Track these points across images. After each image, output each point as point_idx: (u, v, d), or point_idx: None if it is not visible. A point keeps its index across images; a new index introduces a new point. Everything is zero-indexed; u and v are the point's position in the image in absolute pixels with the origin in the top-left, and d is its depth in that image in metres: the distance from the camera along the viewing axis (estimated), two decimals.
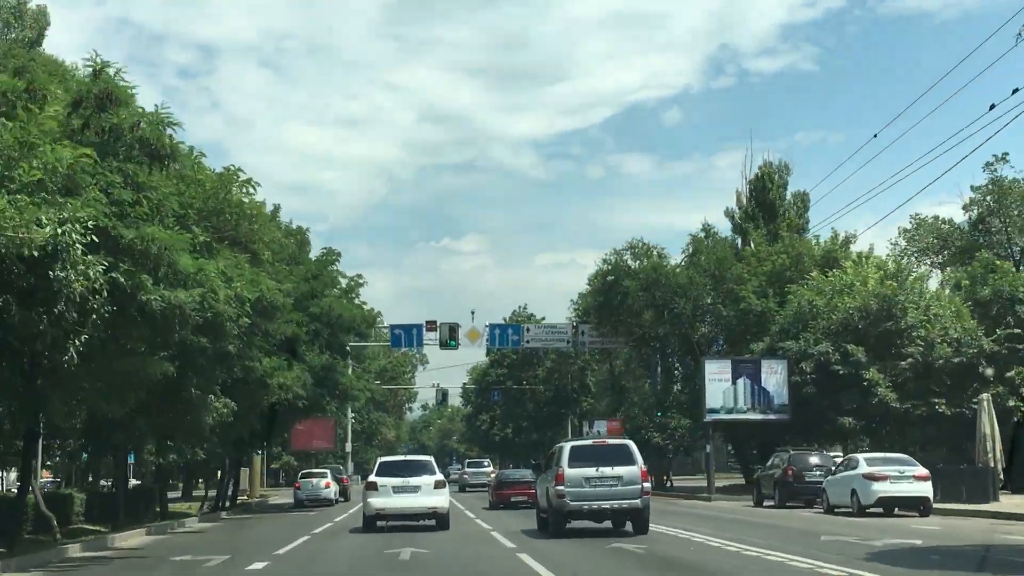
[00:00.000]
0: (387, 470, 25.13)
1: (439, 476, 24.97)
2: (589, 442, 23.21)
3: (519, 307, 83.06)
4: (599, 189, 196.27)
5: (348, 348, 42.77)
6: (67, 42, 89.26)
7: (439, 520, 24.29)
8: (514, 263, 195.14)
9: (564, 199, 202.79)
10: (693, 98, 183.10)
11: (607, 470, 20.69)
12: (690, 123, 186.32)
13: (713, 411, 40.89)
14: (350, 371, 47.18)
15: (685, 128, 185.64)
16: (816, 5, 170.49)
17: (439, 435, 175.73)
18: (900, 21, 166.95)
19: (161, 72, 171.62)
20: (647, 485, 20.86)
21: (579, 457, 21.07)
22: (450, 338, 55.97)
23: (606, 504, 20.65)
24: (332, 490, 45.50)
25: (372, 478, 24.95)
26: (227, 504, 41.31)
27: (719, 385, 40.83)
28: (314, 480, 45.49)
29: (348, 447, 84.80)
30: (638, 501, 20.53)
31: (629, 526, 21.31)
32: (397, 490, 24.22)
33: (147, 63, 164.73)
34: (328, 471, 47.22)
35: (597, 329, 55.00)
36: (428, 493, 24.22)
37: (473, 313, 57.20)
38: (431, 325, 56.18)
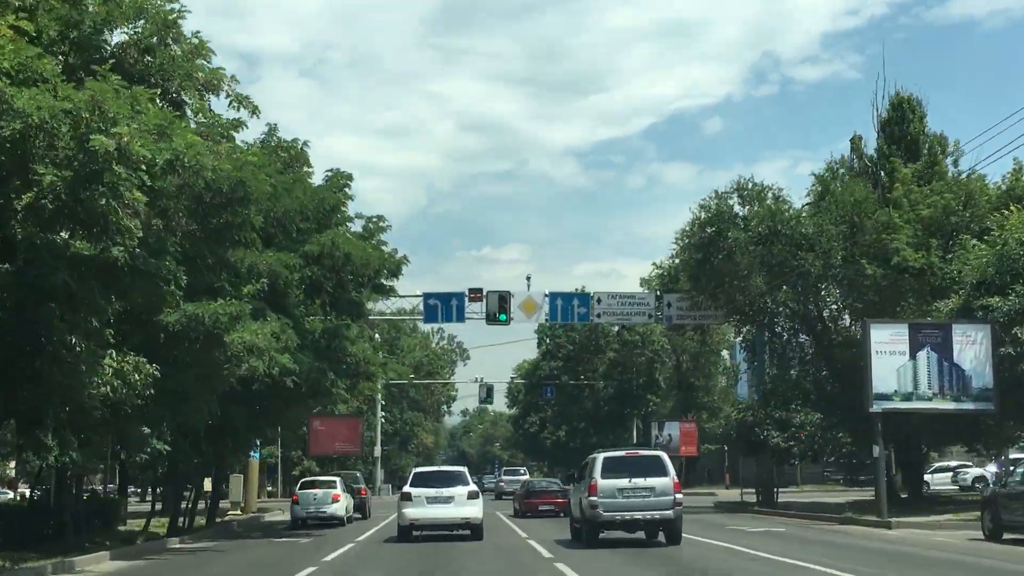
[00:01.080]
0: (421, 481, 25.32)
1: (472, 487, 25.35)
2: (622, 453, 23.05)
3: (578, 287, 70.88)
4: (640, 198, 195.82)
5: (364, 307, 30.81)
6: None
7: (473, 530, 24.62)
8: (555, 272, 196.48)
9: (605, 208, 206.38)
10: (735, 107, 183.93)
11: (640, 481, 20.99)
12: (732, 132, 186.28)
13: (883, 397, 28.35)
14: (366, 340, 34.93)
15: (727, 137, 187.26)
16: (859, 13, 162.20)
17: (480, 441, 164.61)
18: (946, 29, 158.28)
19: None
20: (679, 496, 21.10)
21: (612, 468, 21.30)
22: (500, 310, 43.92)
23: (639, 515, 20.96)
24: (342, 504, 33.71)
25: (406, 488, 25.16)
26: (188, 523, 29.54)
27: (891, 361, 28.37)
28: (318, 491, 33.68)
29: (377, 451, 72.85)
30: (670, 512, 20.86)
31: (661, 536, 21.66)
32: (431, 500, 24.41)
33: None
34: (338, 479, 35.37)
35: (689, 297, 42.74)
36: (461, 504, 24.47)
37: (529, 280, 45.28)
38: (475, 294, 44.18)
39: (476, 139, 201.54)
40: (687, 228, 40.60)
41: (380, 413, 73.98)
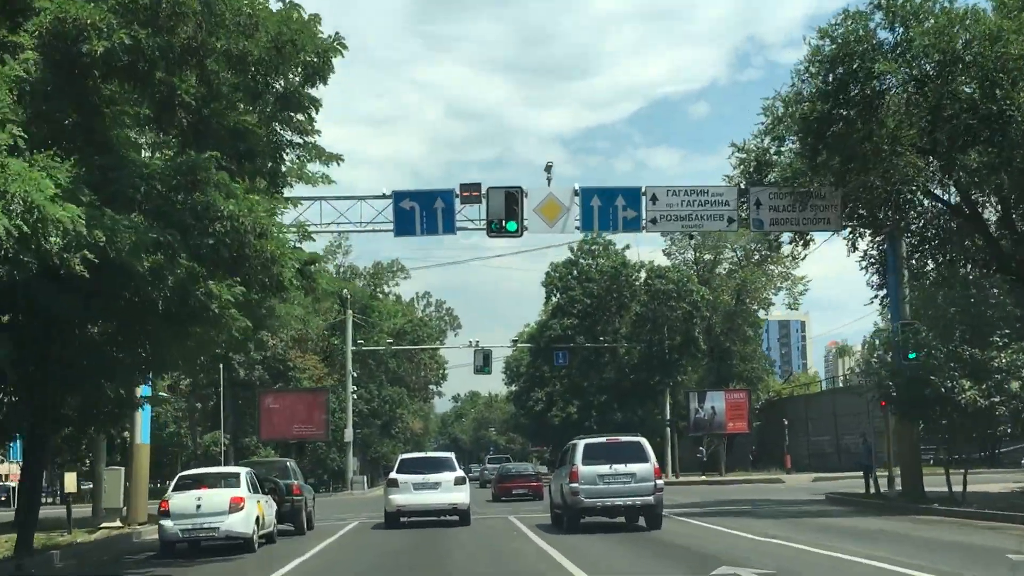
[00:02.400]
0: (408, 467, 25.44)
1: (459, 472, 25.53)
2: (603, 440, 22.97)
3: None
4: (627, 183, 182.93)
5: (259, 137, 15.97)
6: None
7: (460, 516, 24.66)
8: (543, 262, 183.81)
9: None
10: (720, 91, 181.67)
11: (620, 467, 21.16)
12: (718, 116, 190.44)
13: None
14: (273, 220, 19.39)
15: (712, 121, 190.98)
16: None
17: (474, 427, 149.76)
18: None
19: None
20: (660, 482, 21.41)
21: (593, 455, 21.49)
22: (506, 216, 29.34)
23: (619, 501, 21.14)
24: (246, 515, 19.20)
25: (393, 475, 25.34)
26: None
27: None
28: (199, 496, 19.17)
29: (348, 434, 58.13)
30: (651, 498, 21.09)
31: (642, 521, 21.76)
32: (418, 487, 24.53)
33: None
34: (242, 472, 20.70)
35: (791, 189, 28.18)
36: (448, 489, 24.61)
37: (550, 170, 30.54)
38: (470, 192, 29.57)
39: (463, 126, 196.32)
40: (796, 80, 26.12)
41: (351, 387, 59.16)
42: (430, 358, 79.95)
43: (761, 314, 68.96)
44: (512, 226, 29.42)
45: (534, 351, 66.85)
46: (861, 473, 31.51)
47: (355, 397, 60.78)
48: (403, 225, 29.76)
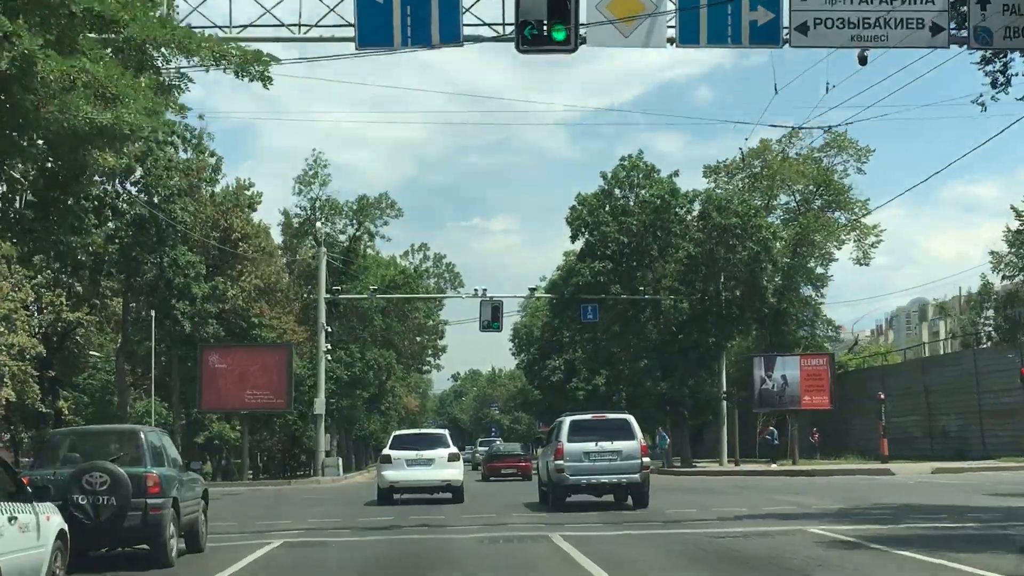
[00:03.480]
0: (401, 443, 25.66)
1: (453, 449, 25.53)
2: (589, 416, 23.15)
3: None
4: None
5: None
6: None
7: (454, 493, 24.72)
8: (545, 242, 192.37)
9: (595, 178, 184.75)
10: (725, 76, 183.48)
11: (606, 444, 21.10)
12: (722, 102, 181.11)
13: None
14: None
15: (716, 106, 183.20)
16: None
17: (474, 406, 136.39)
18: None
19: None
20: (647, 460, 21.38)
21: (579, 431, 21.45)
22: (551, 15, 16.69)
23: (605, 479, 21.10)
24: None
25: (386, 451, 25.53)
26: None
27: None
28: None
29: (320, 404, 45.59)
30: (637, 476, 20.95)
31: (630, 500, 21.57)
32: (411, 463, 24.72)
33: None
34: None
35: None
36: (442, 466, 24.74)
37: None
38: None
39: (466, 110, 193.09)
40: None
41: (323, 344, 46.67)
42: (426, 317, 67.47)
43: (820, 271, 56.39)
44: (560, 33, 16.83)
45: (555, 306, 54.10)
46: (991, 462, 20.91)
47: (329, 359, 48.28)
48: (371, 29, 17.15)
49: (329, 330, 46.97)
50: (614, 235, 46.56)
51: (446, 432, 27.74)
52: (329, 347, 46.92)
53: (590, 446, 21.05)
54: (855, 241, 54.58)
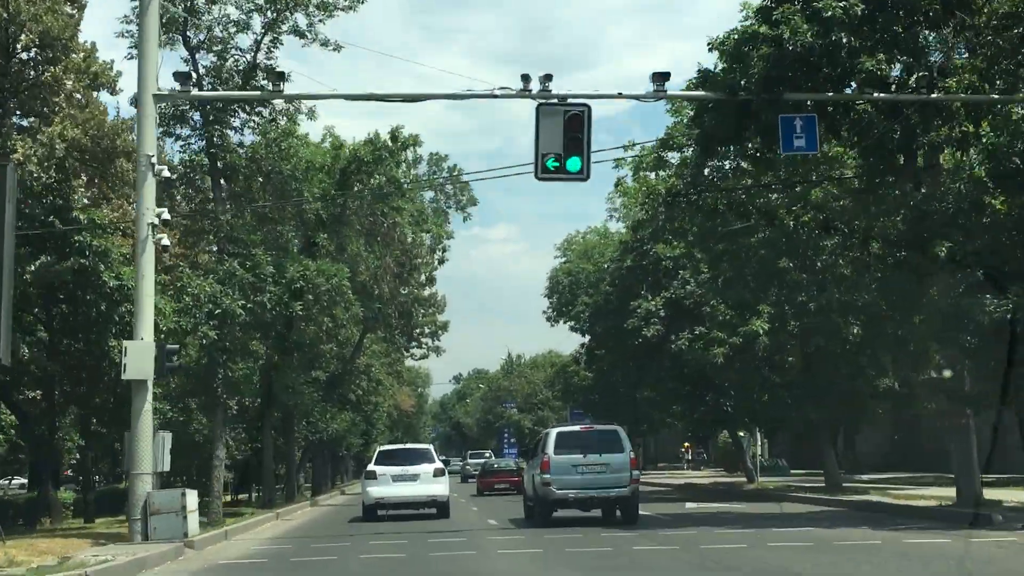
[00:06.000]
0: (386, 459, 25.79)
1: (438, 464, 25.66)
2: (576, 428, 23.01)
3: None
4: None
5: None
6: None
7: (439, 508, 24.58)
8: (546, 251, 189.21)
9: (593, 186, 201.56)
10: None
11: (594, 457, 20.48)
12: None
13: None
14: None
15: None
16: None
17: (482, 406, 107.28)
18: None
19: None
20: (636, 473, 20.72)
21: (565, 444, 20.81)
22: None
23: (593, 492, 20.41)
24: None
25: (371, 467, 25.49)
26: None
27: None
28: None
29: (137, 352, 17.78)
30: (626, 489, 20.33)
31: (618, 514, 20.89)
32: (396, 479, 24.54)
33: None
34: None
35: None
36: (427, 481, 24.65)
37: None
38: None
39: (463, 118, 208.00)
40: None
41: (148, 216, 24.66)
42: (418, 228, 42.04)
43: None
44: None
45: (708, 132, 21.03)
46: None
47: (218, 253, 26.86)
48: None
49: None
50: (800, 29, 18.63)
51: (431, 447, 28.15)
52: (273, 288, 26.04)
53: (578, 458, 20.44)
54: None
